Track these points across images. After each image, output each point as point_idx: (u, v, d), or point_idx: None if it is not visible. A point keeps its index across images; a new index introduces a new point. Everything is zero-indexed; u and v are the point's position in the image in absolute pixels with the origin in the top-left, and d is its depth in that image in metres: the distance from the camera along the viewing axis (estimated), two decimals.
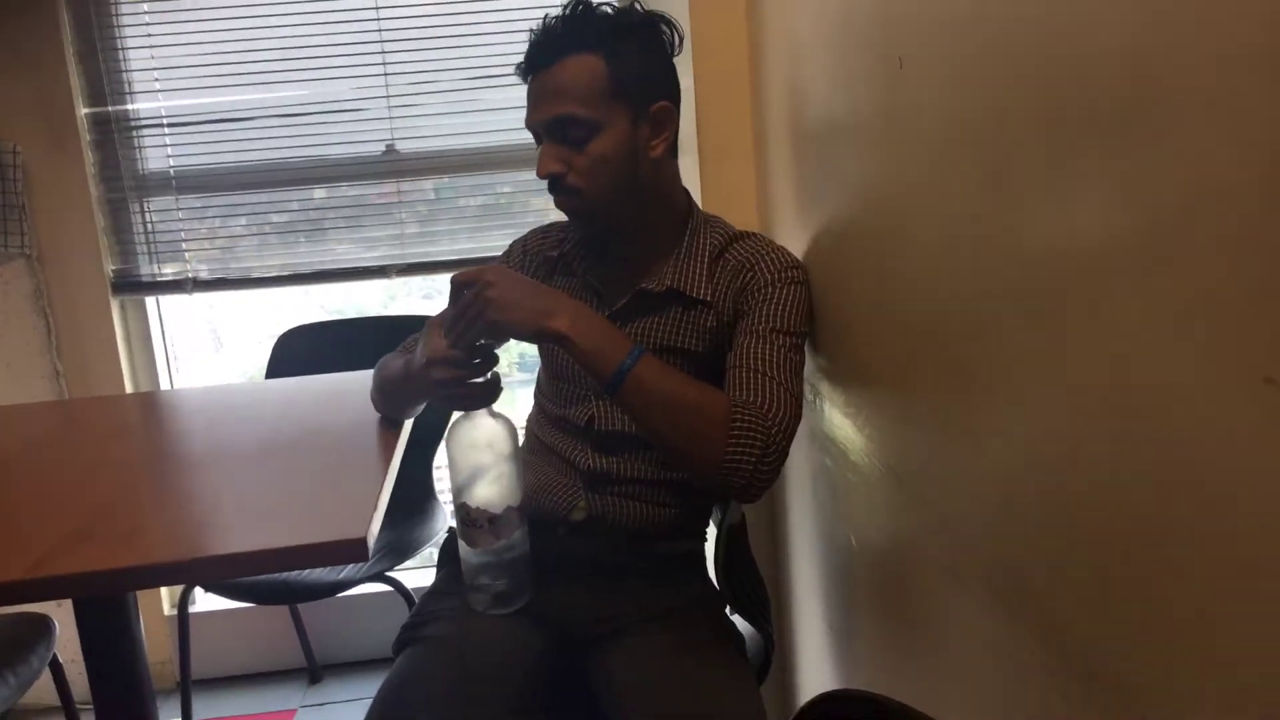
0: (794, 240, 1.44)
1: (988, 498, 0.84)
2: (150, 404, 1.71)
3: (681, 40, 1.28)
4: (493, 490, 1.21)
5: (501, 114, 2.17)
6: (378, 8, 2.13)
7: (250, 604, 1.86)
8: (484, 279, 1.13)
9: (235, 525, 1.08)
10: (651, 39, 1.26)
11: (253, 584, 1.78)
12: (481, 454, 1.22)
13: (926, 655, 1.07)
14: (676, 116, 1.27)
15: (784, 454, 1.15)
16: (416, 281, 2.57)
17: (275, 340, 2.13)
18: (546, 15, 1.25)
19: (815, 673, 1.60)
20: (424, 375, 1.17)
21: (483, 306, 1.12)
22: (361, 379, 1.72)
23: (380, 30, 2.14)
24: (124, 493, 1.21)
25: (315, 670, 2.45)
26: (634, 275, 1.32)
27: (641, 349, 1.14)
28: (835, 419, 1.33)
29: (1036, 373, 0.74)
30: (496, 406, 1.20)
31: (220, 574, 1.00)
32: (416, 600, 1.82)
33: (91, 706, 1.72)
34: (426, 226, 2.23)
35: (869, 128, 1.08)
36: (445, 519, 2.01)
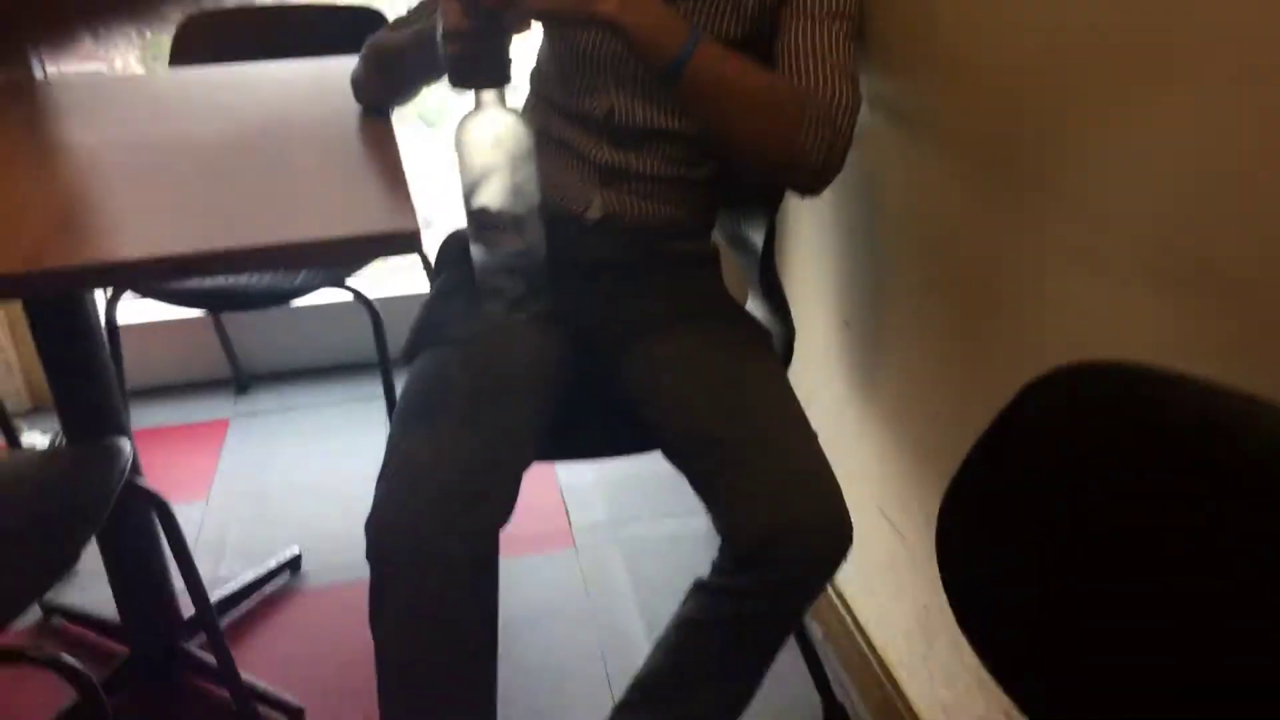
0: None
1: (1163, 180, 0.80)
2: (67, 91, 1.47)
3: None
4: (514, 189, 1.12)
5: None
6: None
7: (185, 310, 1.74)
8: None
9: (256, 217, 0.96)
10: None
11: (204, 290, 1.65)
12: (497, 150, 1.11)
13: (1008, 328, 1.07)
14: None
15: (849, 143, 1.10)
16: None
17: (178, 26, 1.85)
18: None
19: (820, 368, 1.61)
20: (435, 46, 1.03)
21: None
22: (310, 66, 1.54)
23: None
24: (98, 185, 1.05)
25: (243, 380, 2.37)
26: None
27: (698, 32, 1.03)
28: (889, 109, 1.26)
29: (1245, 44, 0.69)
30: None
31: (259, 266, 0.89)
32: (378, 308, 1.76)
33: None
34: None
35: None
36: None
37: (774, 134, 1.06)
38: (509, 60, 1.06)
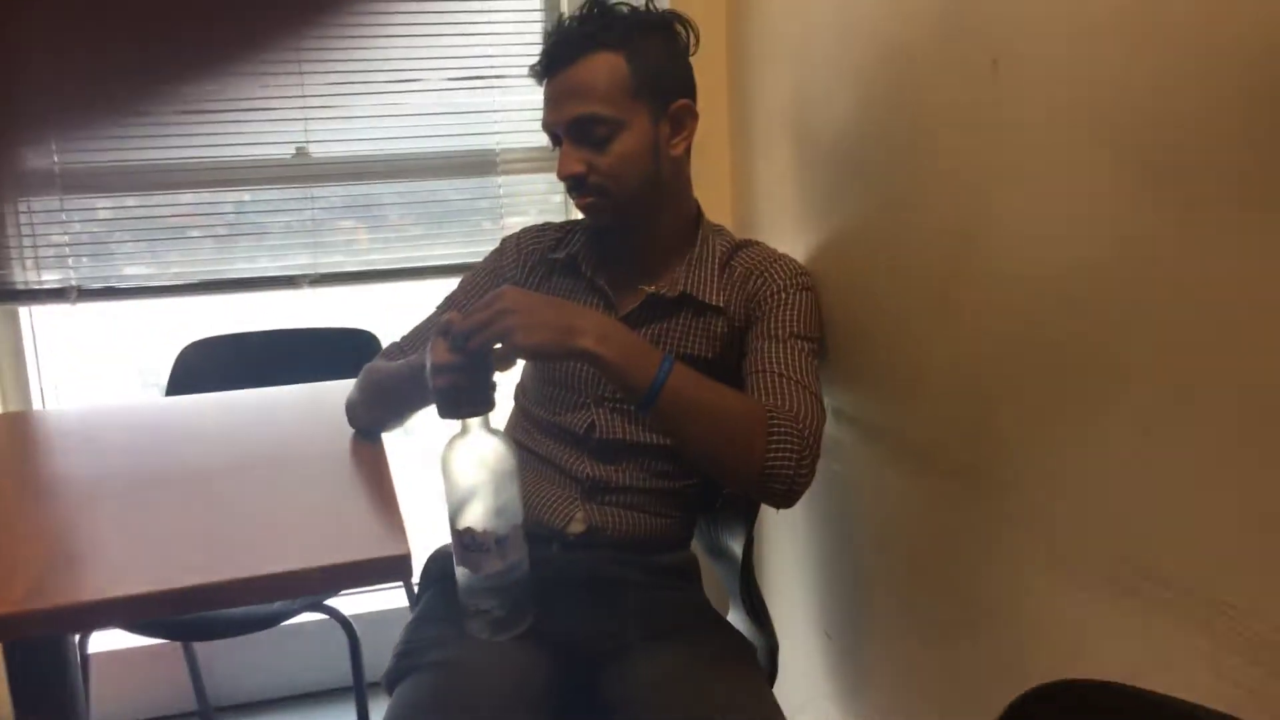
0: (793, 245, 1.44)
1: (1117, 496, 0.85)
2: (65, 422, 1.53)
3: (698, 40, 1.28)
4: (498, 510, 1.14)
5: (425, 119, 2.08)
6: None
7: (159, 641, 1.69)
8: (501, 305, 1.06)
9: (251, 546, 0.98)
10: (670, 37, 1.26)
11: (179, 620, 1.62)
12: (482, 473, 1.15)
13: (989, 643, 1.07)
14: (695, 115, 1.27)
15: (817, 456, 1.15)
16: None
17: (177, 354, 1.96)
18: (563, 16, 1.23)
19: (806, 681, 1.58)
20: (426, 381, 1.10)
21: (505, 333, 1.05)
22: (304, 392, 1.62)
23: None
24: (94, 518, 1.07)
25: (207, 713, 2.25)
26: (642, 279, 1.30)
27: (671, 358, 1.11)
28: (855, 423, 1.33)
29: (1181, 366, 0.76)
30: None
31: (255, 597, 0.90)
32: (355, 629, 1.72)
33: None
34: (341, 236, 2.11)
35: (933, 133, 1.09)
36: None
37: (744, 450, 1.12)
38: (493, 390, 1.12)
